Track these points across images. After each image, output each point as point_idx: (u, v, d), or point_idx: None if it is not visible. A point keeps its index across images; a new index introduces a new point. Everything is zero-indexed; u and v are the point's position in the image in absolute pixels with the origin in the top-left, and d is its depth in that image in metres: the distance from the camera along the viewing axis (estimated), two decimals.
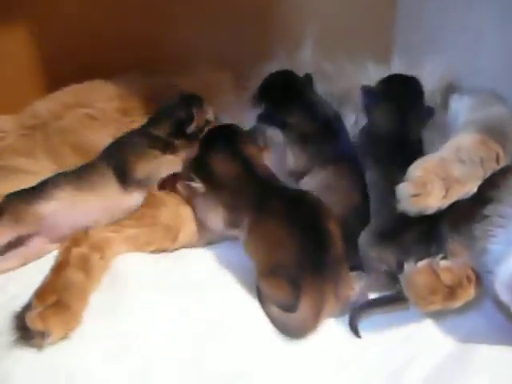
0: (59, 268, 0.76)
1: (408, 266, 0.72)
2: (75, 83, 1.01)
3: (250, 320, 0.75)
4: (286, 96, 0.93)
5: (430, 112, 0.89)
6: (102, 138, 0.94)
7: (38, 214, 0.79)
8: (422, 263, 0.72)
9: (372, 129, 0.89)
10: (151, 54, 1.09)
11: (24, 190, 0.81)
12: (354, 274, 0.77)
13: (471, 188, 0.75)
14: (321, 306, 0.71)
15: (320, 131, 0.90)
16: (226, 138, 0.89)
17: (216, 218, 0.84)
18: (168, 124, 0.91)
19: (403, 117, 0.87)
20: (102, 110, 0.98)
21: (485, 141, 0.78)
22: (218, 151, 0.87)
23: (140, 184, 0.86)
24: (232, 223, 0.82)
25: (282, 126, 0.92)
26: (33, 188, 0.82)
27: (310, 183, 0.88)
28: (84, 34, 1.10)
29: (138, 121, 0.97)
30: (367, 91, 0.91)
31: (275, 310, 0.74)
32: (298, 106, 0.93)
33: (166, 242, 0.85)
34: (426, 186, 0.73)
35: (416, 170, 0.75)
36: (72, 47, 1.10)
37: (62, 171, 0.86)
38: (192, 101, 0.94)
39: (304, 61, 1.03)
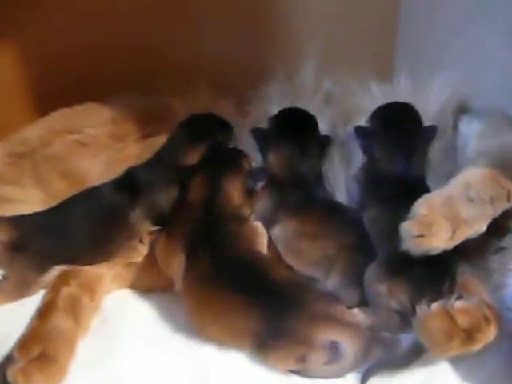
0: (46, 312, 0.70)
1: (420, 310, 0.66)
2: (64, 102, 0.97)
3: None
4: (290, 130, 0.88)
5: (431, 133, 0.85)
6: (92, 165, 0.90)
7: None
8: (435, 306, 0.66)
9: (372, 166, 0.85)
10: (144, 71, 1.04)
11: None
12: (356, 310, 0.71)
13: (479, 228, 0.71)
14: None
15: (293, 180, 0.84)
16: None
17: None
18: None
19: (404, 152, 0.82)
20: (93, 136, 0.94)
21: (496, 177, 0.73)
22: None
23: None
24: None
25: (263, 150, 0.87)
26: None
27: (281, 232, 0.80)
28: (72, 50, 1.07)
29: (132, 146, 0.93)
30: (361, 132, 0.86)
31: None
32: (288, 147, 0.86)
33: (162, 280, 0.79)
34: (431, 227, 0.68)
35: (421, 208, 0.70)
36: (60, 65, 1.06)
37: None
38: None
39: (305, 82, 0.98)
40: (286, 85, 0.97)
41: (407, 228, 0.69)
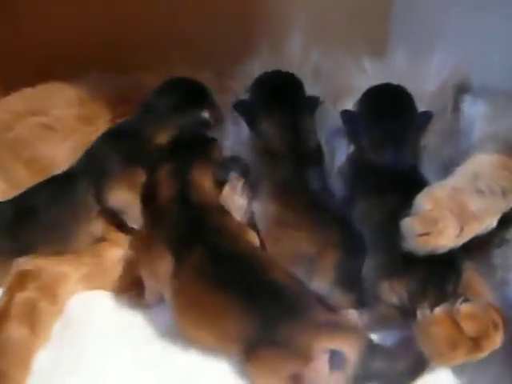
0: None
1: (422, 315, 0.60)
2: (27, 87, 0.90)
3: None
4: (279, 96, 0.80)
5: (426, 120, 0.78)
6: (59, 152, 0.83)
7: None
8: (439, 310, 0.59)
9: (360, 156, 0.78)
10: (117, 47, 0.99)
11: None
12: (353, 311, 0.65)
13: (490, 224, 0.65)
14: None
15: (289, 153, 0.76)
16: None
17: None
18: None
19: (394, 141, 0.75)
20: (60, 118, 0.87)
21: (507, 165, 0.67)
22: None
23: None
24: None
25: (252, 123, 0.79)
26: None
27: (258, 211, 0.74)
28: (37, 30, 0.99)
29: (102, 129, 0.84)
30: (348, 116, 0.79)
31: None
32: (282, 115, 0.78)
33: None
34: (437, 224, 0.62)
35: (425, 202, 0.64)
36: (23, 46, 0.99)
37: None
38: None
39: (291, 55, 0.91)
40: (270, 59, 0.90)
41: (410, 225, 0.62)
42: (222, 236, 0.66)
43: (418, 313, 0.60)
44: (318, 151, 0.78)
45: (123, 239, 0.74)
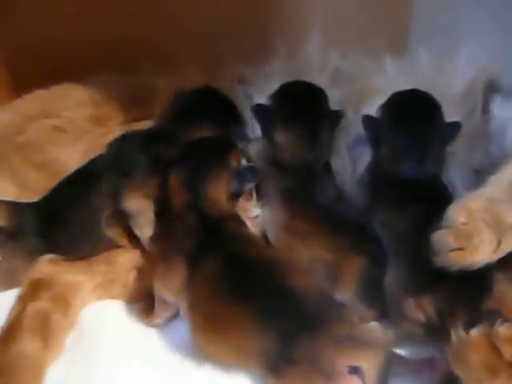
0: (9, 334, 0.60)
1: (457, 336, 0.56)
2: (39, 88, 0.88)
3: None
4: (300, 108, 0.77)
5: (453, 131, 0.73)
6: (71, 154, 0.81)
7: None
8: (475, 332, 0.56)
9: (379, 165, 0.74)
10: (128, 50, 0.95)
11: None
12: (376, 324, 0.62)
13: None
14: None
15: (298, 166, 0.73)
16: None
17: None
18: None
19: (416, 153, 0.71)
20: (71, 120, 0.85)
21: None
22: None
23: None
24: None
25: (267, 130, 0.76)
26: None
27: (267, 218, 0.71)
28: (49, 31, 0.97)
29: (114, 132, 0.82)
30: (370, 122, 0.75)
31: None
32: (301, 127, 0.75)
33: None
34: (473, 238, 0.58)
35: (458, 214, 0.59)
36: (36, 47, 0.96)
37: None
38: None
39: (310, 56, 0.88)
40: (288, 62, 0.87)
41: (442, 239, 0.58)
42: (236, 244, 0.63)
43: (452, 334, 0.56)
44: (327, 164, 0.76)
45: (137, 245, 0.71)
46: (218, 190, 0.67)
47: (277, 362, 0.55)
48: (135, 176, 0.72)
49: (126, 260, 0.70)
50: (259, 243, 0.66)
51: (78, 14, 1.00)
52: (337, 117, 0.77)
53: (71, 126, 0.84)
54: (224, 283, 0.60)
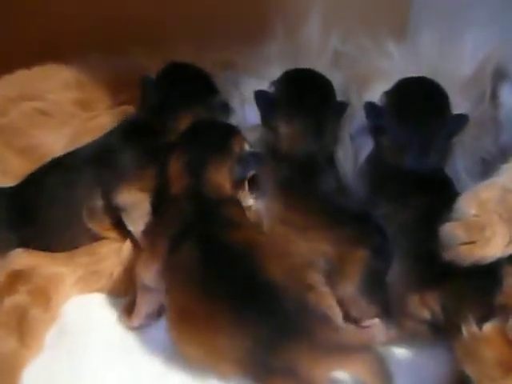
0: None
1: (468, 332, 0.53)
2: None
3: None
4: (304, 97, 0.73)
5: (460, 124, 0.70)
6: (56, 139, 0.77)
7: None
8: (488, 327, 0.53)
9: (379, 156, 0.71)
10: (116, 30, 0.92)
11: None
12: (376, 320, 0.60)
13: None
14: None
15: (298, 156, 0.70)
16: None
17: None
18: None
19: (420, 145, 0.68)
20: (56, 103, 0.81)
21: None
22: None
23: None
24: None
25: (267, 118, 0.73)
26: None
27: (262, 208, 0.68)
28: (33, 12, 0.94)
29: (102, 116, 0.79)
30: (372, 109, 0.72)
31: None
32: (304, 117, 0.72)
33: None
34: (484, 231, 0.55)
35: (469, 205, 0.56)
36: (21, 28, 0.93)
37: None
38: None
39: (309, 38, 0.84)
40: (286, 43, 0.84)
41: (452, 232, 0.55)
42: (223, 230, 0.58)
43: (464, 330, 0.53)
44: (331, 155, 0.73)
45: (122, 237, 0.68)
46: (221, 176, 0.64)
47: (255, 369, 0.51)
48: (128, 169, 0.68)
49: (111, 251, 0.66)
50: (251, 230, 0.62)
51: None
52: (342, 108, 0.75)
53: (56, 109, 0.80)
54: (194, 270, 0.55)
